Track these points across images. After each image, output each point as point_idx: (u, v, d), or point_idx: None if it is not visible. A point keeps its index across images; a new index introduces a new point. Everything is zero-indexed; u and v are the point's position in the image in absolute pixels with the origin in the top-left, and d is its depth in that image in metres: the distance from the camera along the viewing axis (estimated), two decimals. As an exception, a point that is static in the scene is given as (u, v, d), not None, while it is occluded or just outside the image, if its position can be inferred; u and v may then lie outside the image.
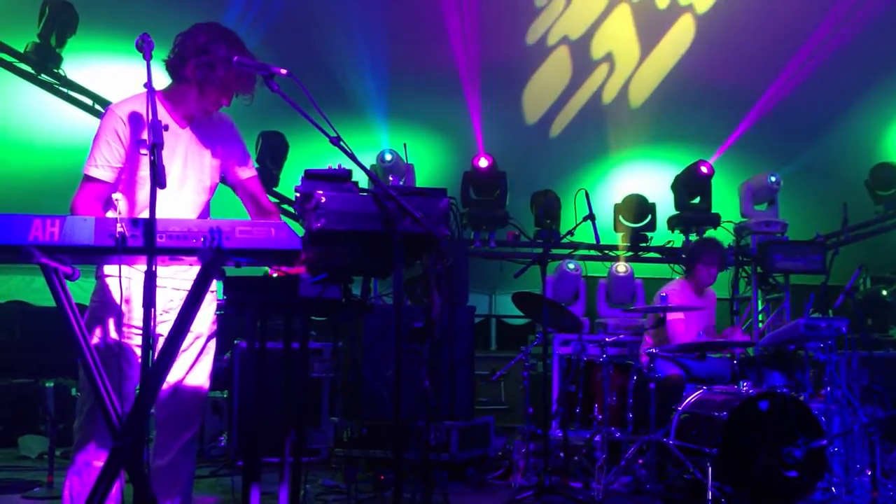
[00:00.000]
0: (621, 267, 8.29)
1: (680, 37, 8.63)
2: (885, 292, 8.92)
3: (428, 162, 8.79)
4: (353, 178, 2.94)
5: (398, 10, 7.78)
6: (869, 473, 5.10)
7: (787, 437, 4.95)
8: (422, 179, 7.89)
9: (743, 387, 5.28)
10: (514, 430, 6.96)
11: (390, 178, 6.25)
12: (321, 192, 2.77)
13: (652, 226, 8.44)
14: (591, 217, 5.46)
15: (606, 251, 8.50)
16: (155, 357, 2.62)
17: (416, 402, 4.84)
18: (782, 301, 8.37)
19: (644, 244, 8.46)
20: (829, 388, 5.44)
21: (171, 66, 3.22)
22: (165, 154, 2.65)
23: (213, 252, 2.42)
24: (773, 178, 8.27)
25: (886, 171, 8.48)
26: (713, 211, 8.38)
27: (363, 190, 2.87)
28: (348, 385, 6.03)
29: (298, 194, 2.86)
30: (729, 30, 8.45)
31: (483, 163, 7.86)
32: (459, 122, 8.49)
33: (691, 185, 8.39)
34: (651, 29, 8.69)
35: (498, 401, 8.72)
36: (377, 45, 7.74)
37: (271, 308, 3.10)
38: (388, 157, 7.29)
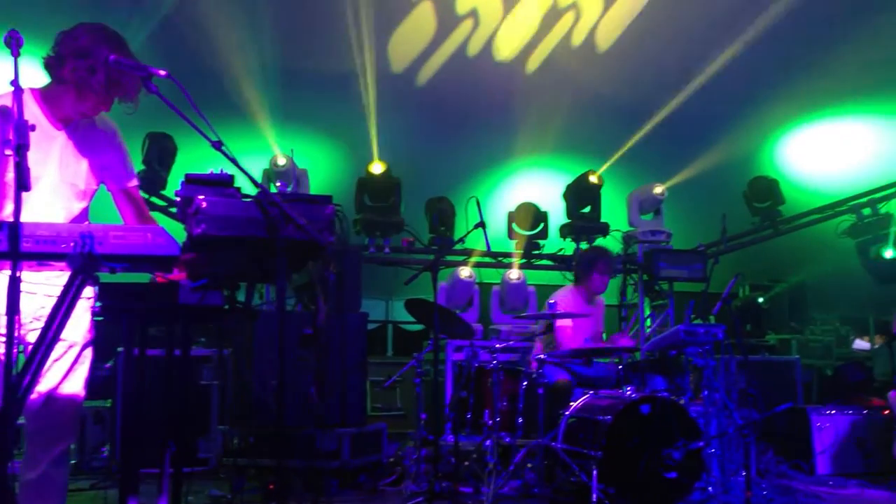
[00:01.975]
0: (514, 274, 8.42)
1: (573, 47, 8.84)
2: (761, 299, 9.36)
3: (322, 167, 8.72)
4: (237, 184, 2.91)
5: (289, 11, 7.68)
6: (744, 474, 5.33)
7: (667, 439, 5.12)
8: (316, 185, 7.83)
9: (626, 391, 5.44)
10: (408, 437, 6.97)
11: (277, 185, 6.19)
12: (202, 197, 2.72)
13: (544, 234, 8.62)
14: (481, 225, 5.52)
15: (500, 258, 8.62)
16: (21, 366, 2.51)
17: (303, 409, 4.80)
18: (667, 307, 8.68)
19: (537, 251, 8.63)
20: (707, 392, 5.66)
21: (49, 66, 3.09)
22: (38, 156, 2.54)
23: (83, 257, 2.34)
24: (658, 190, 8.59)
25: (763, 184, 8.92)
26: (602, 220, 8.63)
27: (246, 195, 2.83)
28: (237, 392, 5.91)
29: (179, 199, 2.80)
30: (618, 43, 8.70)
31: (377, 169, 7.86)
32: (354, 127, 8.46)
33: (582, 195, 8.61)
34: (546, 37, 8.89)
35: (394, 406, 8.72)
36: (267, 47, 7.63)
37: (148, 315, 3.02)
38: (282, 161, 7.20)
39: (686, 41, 8.55)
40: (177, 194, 2.78)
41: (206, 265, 2.81)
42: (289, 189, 6.84)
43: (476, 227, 5.58)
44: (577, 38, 8.87)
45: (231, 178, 2.82)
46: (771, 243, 9.24)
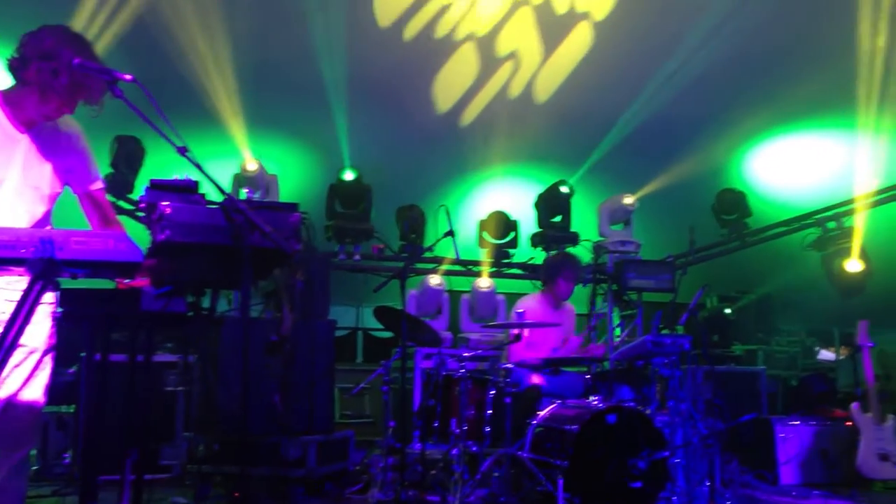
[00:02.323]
0: (484, 282, 8.43)
1: (532, 62, 8.92)
2: (728, 310, 9.45)
3: (293, 173, 8.70)
4: (203, 190, 2.89)
5: (261, 16, 7.67)
6: (708, 483, 5.37)
7: (632, 449, 5.15)
8: (286, 191, 7.80)
9: (593, 401, 5.46)
10: (375, 444, 6.94)
11: (244, 191, 6.12)
12: (166, 203, 2.70)
13: (515, 242, 8.65)
14: (451, 233, 5.54)
15: (470, 267, 8.64)
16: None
17: (268, 416, 4.77)
18: (635, 317, 8.73)
19: (507, 260, 8.65)
20: (673, 402, 5.70)
21: (13, 67, 3.06)
22: (1, 160, 2.50)
23: (43, 263, 2.31)
24: (628, 200, 8.66)
25: (730, 197, 9.03)
26: (573, 229, 8.69)
27: (211, 202, 2.81)
28: (202, 399, 5.86)
29: (143, 205, 2.78)
30: (588, 53, 8.78)
31: (349, 176, 7.85)
32: (325, 134, 8.45)
33: (552, 204, 8.66)
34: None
35: (363, 414, 8.70)
36: (239, 52, 7.60)
37: (110, 321, 2.99)
38: (252, 167, 7.16)
39: (656, 53, 8.64)
40: (141, 200, 2.76)
41: (170, 272, 2.79)
42: (256, 195, 6.80)
43: (445, 235, 5.59)
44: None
45: (196, 184, 2.80)
46: (738, 255, 9.34)
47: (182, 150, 2.80)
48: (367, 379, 6.68)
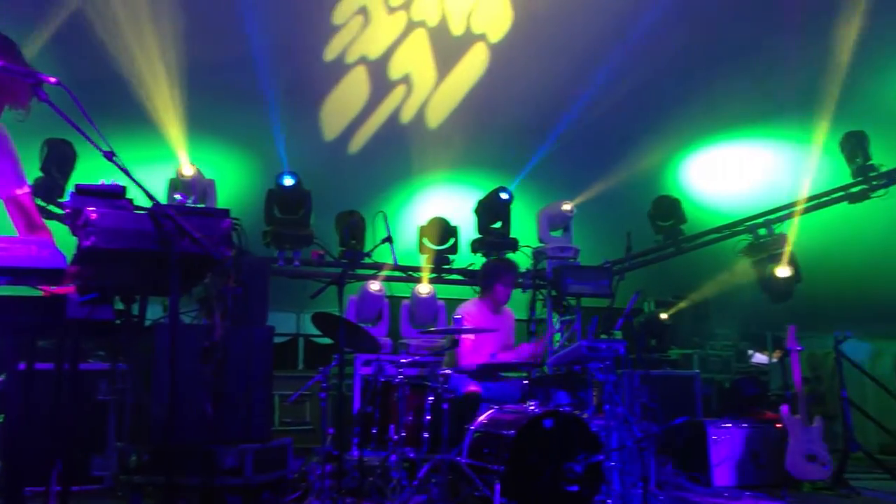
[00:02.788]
0: (424, 288, 8.44)
1: (474, 63, 8.96)
2: (664, 315, 9.62)
3: (231, 178, 8.59)
4: (133, 196, 2.84)
5: (197, 20, 7.56)
6: (642, 486, 5.46)
7: (568, 453, 5.20)
8: (224, 196, 7.71)
9: (530, 406, 5.51)
10: (313, 452, 6.89)
11: (176, 196, 5.98)
12: (92, 208, 2.65)
13: (455, 248, 8.68)
14: (389, 240, 5.54)
15: (410, 272, 8.64)
16: None
17: (202, 425, 4.69)
18: (574, 322, 8.83)
19: (447, 266, 8.68)
20: (608, 406, 5.79)
21: None
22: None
23: (-40, 270, 2.25)
24: (567, 207, 8.76)
25: (666, 204, 9.22)
26: (512, 235, 8.75)
27: (138, 207, 2.77)
28: (134, 408, 5.74)
29: (69, 210, 2.72)
30: (525, 60, 8.85)
31: (288, 181, 7.79)
32: (264, 139, 8.37)
33: (492, 210, 8.71)
34: (447, 54, 8.96)
35: (302, 421, 8.61)
36: (175, 55, 7.48)
37: (34, 329, 2.91)
38: (188, 171, 7.06)
39: (593, 61, 8.76)
40: (65, 206, 2.70)
41: (96, 278, 2.74)
42: (189, 200, 6.67)
43: (383, 241, 5.59)
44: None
45: (122, 189, 2.75)
46: (674, 261, 9.52)
47: (109, 155, 2.75)
48: (305, 386, 6.62)
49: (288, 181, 7.80)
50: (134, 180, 2.78)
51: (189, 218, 2.76)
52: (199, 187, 7.20)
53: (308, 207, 7.92)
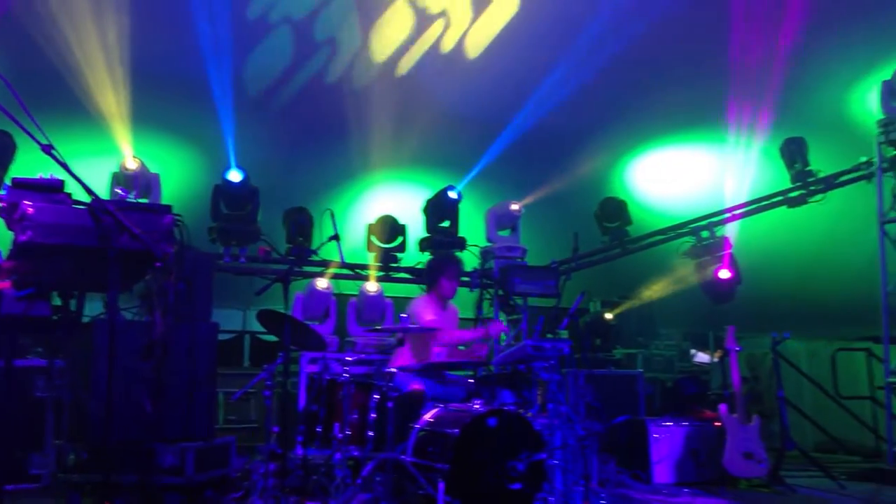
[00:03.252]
0: (371, 286, 8.42)
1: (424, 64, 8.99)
2: (609, 315, 9.75)
3: (177, 173, 8.47)
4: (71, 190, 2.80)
5: (143, 11, 7.44)
6: (584, 483, 5.53)
7: (512, 451, 5.25)
8: (169, 191, 7.59)
9: (475, 405, 5.54)
10: (256, 450, 6.84)
11: (117, 191, 5.92)
12: (29, 202, 2.61)
13: (403, 247, 8.69)
14: (336, 237, 5.52)
15: (358, 270, 8.62)
16: None
17: (142, 423, 4.63)
18: (521, 322, 8.91)
19: (395, 264, 8.68)
20: (552, 405, 5.84)
21: None
22: None
23: None
24: (515, 207, 8.83)
25: (612, 205, 9.34)
26: (461, 234, 8.79)
27: (77, 202, 2.73)
28: (72, 406, 5.63)
29: (4, 204, 2.67)
30: (476, 60, 8.90)
31: (235, 177, 7.71)
32: (211, 133, 8.27)
33: (441, 209, 8.74)
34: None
35: (247, 419, 8.54)
36: (120, 48, 7.35)
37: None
38: (132, 165, 6.94)
39: (541, 64, 8.84)
40: (2, 199, 2.65)
41: (33, 273, 2.69)
42: (131, 196, 6.57)
43: (330, 239, 5.57)
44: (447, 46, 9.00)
45: (61, 183, 2.71)
46: (620, 261, 9.66)
47: (47, 149, 2.71)
48: (250, 384, 6.57)
49: (235, 177, 7.72)
50: (73, 174, 2.73)
51: (129, 213, 2.73)
52: (142, 181, 7.08)
53: (255, 203, 7.85)
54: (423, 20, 8.87)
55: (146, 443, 4.43)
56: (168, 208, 2.86)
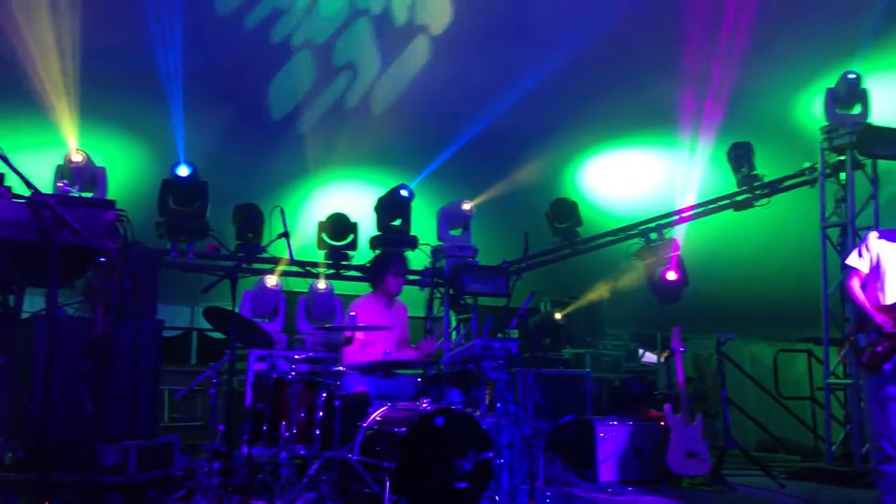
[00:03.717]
0: (321, 284, 8.38)
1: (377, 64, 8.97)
2: (558, 315, 9.83)
3: (123, 167, 8.32)
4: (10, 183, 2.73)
5: (92, 4, 7.29)
6: (529, 482, 5.57)
7: (459, 450, 5.27)
8: (116, 185, 7.44)
9: (423, 404, 5.55)
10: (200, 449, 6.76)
11: (59, 185, 5.77)
12: (-36, 195, 2.54)
13: (354, 245, 8.65)
14: (285, 235, 5.48)
15: (308, 268, 8.56)
16: None
17: (82, 421, 4.55)
18: (471, 321, 8.95)
19: (346, 262, 8.64)
20: (500, 404, 5.88)
21: None
22: None
23: None
24: (467, 206, 8.86)
25: (563, 206, 9.42)
26: (412, 233, 8.79)
27: (17, 196, 2.67)
28: (10, 403, 5.51)
29: (-62, 196, 2.60)
30: (427, 61, 8.91)
31: (183, 171, 7.60)
32: (160, 126, 8.14)
33: (393, 208, 8.73)
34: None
35: (193, 417, 8.45)
36: (68, 40, 7.19)
37: None
38: (77, 158, 6.79)
39: (494, 61, 8.88)
40: (-65, 192, 2.58)
41: (-33, 268, 2.63)
42: (73, 189, 6.42)
43: (279, 236, 5.53)
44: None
45: (0, 176, 2.65)
46: (570, 262, 9.74)
47: (-17, 141, 2.64)
48: (195, 381, 6.48)
49: (183, 171, 7.61)
50: (12, 167, 2.67)
51: (71, 208, 2.69)
52: (87, 175, 6.93)
53: (204, 199, 7.74)
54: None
55: (87, 441, 4.34)
56: (111, 203, 2.82)
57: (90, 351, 4.35)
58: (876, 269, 5.14)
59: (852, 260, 5.29)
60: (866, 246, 5.24)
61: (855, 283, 5.22)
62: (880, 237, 5.26)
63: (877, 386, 4.95)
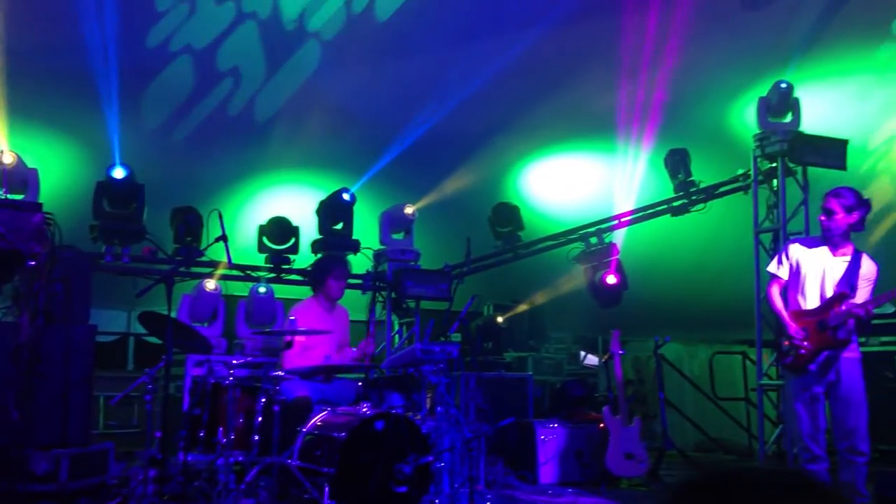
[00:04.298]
0: (262, 288, 8.30)
1: (307, 61, 8.89)
2: (500, 319, 9.89)
3: (57, 169, 8.11)
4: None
5: (23, 1, 7.10)
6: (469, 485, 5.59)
7: (399, 454, 5.27)
8: (48, 187, 7.24)
9: (363, 408, 5.53)
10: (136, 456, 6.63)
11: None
12: None
13: (295, 248, 8.58)
14: (223, 238, 5.42)
15: (248, 271, 8.47)
16: None
17: (11, 429, 4.44)
18: (413, 325, 8.94)
19: (287, 266, 8.57)
20: (441, 408, 5.90)
21: None
22: None
23: None
24: (409, 210, 8.86)
25: (505, 210, 9.48)
26: (354, 237, 8.76)
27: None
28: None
29: None
30: (364, 61, 8.88)
31: (119, 173, 7.45)
32: (94, 127, 7.96)
33: (334, 211, 8.68)
34: (278, 49, 8.85)
35: (129, 424, 8.28)
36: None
37: None
38: (7, 159, 6.60)
39: (436, 65, 8.90)
40: None
41: None
42: (0, 193, 6.20)
43: (217, 240, 5.47)
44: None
45: (-83, 178, 2.56)
46: (513, 265, 9.80)
47: None
48: (129, 388, 6.34)
49: (119, 173, 7.46)
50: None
51: (-7, 211, 2.60)
52: (18, 177, 6.72)
53: (141, 202, 7.60)
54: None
55: (16, 449, 4.24)
56: (38, 206, 2.76)
57: (16, 357, 4.24)
58: (796, 276, 5.27)
59: (772, 268, 5.42)
60: (786, 254, 5.37)
61: (774, 291, 5.34)
62: (800, 244, 5.41)
63: (802, 387, 5.08)
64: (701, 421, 10.40)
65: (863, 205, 5.14)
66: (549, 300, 10.63)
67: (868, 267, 5.13)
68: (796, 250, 5.33)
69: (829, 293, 5.10)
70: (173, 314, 5.37)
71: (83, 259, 5.83)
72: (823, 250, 5.21)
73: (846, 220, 5.10)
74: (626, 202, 9.35)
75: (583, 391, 8.51)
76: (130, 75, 7.77)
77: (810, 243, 5.38)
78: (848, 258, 5.14)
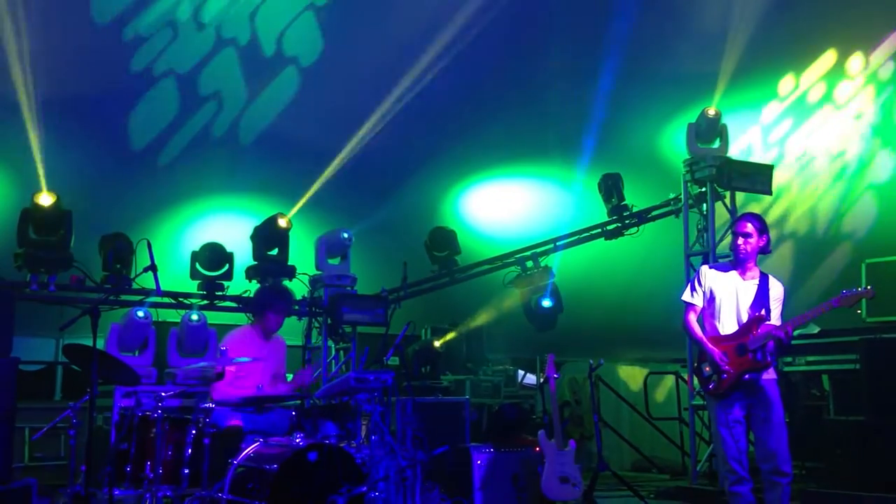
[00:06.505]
0: (194, 315, 8.13)
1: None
2: (437, 343, 9.87)
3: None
4: None
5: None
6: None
7: (332, 485, 5.21)
8: (-29, 213, 7.06)
9: (296, 439, 5.46)
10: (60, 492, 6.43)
11: None
12: None
13: (229, 275, 8.45)
14: (152, 268, 5.32)
15: (181, 299, 8.31)
16: None
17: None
18: (350, 350, 8.87)
19: (220, 293, 8.43)
20: (375, 436, 5.85)
21: None
22: None
23: None
24: (345, 234, 8.79)
25: (442, 235, 9.50)
26: (290, 263, 8.66)
27: None
28: None
29: None
30: (305, 87, 8.88)
31: (45, 200, 7.27)
32: (18, 152, 7.76)
33: (269, 237, 8.59)
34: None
35: (56, 456, 8.02)
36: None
37: None
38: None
39: (368, 90, 8.92)
40: None
41: None
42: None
43: (146, 270, 5.36)
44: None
45: None
46: (450, 290, 9.82)
47: None
48: (54, 421, 6.16)
49: (45, 200, 7.27)
50: None
51: None
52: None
53: (68, 229, 7.41)
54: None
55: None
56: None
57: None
58: (710, 302, 5.36)
59: (686, 297, 5.46)
60: (698, 280, 5.45)
61: (692, 318, 5.41)
62: (712, 269, 5.51)
63: (724, 411, 5.17)
64: (637, 440, 10.53)
65: (767, 228, 5.32)
66: (486, 323, 10.67)
67: (777, 288, 5.27)
68: (709, 276, 5.41)
69: (745, 317, 5.21)
70: (101, 344, 5.23)
71: (4, 290, 5.66)
72: (734, 275, 5.32)
73: (759, 242, 5.25)
74: (561, 226, 9.47)
75: (517, 414, 8.51)
76: (65, 99, 7.61)
77: (721, 268, 5.49)
78: (756, 281, 5.27)
